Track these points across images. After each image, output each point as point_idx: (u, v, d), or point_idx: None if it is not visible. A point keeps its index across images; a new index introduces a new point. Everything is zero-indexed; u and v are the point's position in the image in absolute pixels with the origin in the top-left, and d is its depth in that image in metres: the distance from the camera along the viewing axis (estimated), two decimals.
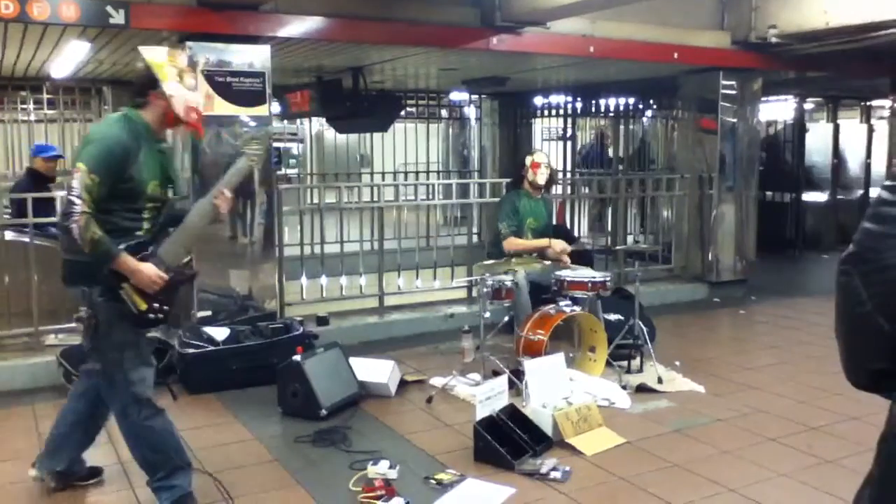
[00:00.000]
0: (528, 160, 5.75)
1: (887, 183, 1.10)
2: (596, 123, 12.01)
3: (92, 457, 3.63)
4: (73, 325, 5.36)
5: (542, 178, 5.67)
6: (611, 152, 11.45)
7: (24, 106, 8.97)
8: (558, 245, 5.61)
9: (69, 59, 6.94)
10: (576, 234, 8.75)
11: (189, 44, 5.40)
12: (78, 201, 2.88)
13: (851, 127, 12.41)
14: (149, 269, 3.06)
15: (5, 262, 5.57)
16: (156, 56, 3.15)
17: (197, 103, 3.20)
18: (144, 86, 3.14)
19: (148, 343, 3.35)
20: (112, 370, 3.16)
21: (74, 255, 3.05)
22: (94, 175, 2.93)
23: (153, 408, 3.21)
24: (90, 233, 2.90)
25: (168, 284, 3.12)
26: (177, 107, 3.12)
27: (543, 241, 5.63)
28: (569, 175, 11.02)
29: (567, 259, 5.66)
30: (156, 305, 3.13)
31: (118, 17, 5.03)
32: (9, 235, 5.80)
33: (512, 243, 5.55)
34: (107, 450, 3.87)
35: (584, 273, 5.38)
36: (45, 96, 8.87)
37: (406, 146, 11.29)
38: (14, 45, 6.32)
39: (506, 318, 5.47)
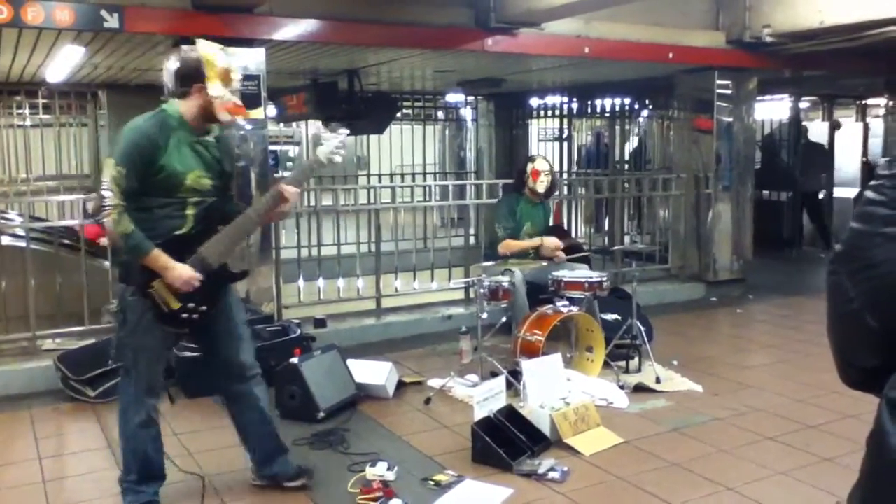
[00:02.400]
0: (529, 167, 5.68)
1: (873, 182, 1.10)
2: (592, 124, 12.02)
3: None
4: (71, 329, 5.40)
5: (541, 187, 5.64)
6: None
7: (20, 111, 8.95)
8: (550, 242, 5.60)
9: (64, 63, 6.93)
10: (573, 234, 8.76)
11: (183, 47, 5.38)
12: (108, 194, 2.94)
13: (847, 125, 12.41)
14: (182, 269, 3.02)
15: (2, 266, 5.56)
16: (209, 52, 3.14)
17: (234, 104, 3.17)
18: (189, 77, 3.12)
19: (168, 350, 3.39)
20: (128, 366, 3.20)
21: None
22: (120, 167, 2.96)
23: (150, 416, 3.24)
24: (122, 226, 2.93)
25: (206, 284, 3.09)
26: (217, 108, 3.11)
27: (535, 241, 5.62)
28: (566, 176, 11.02)
29: (562, 255, 5.64)
30: (191, 305, 3.09)
31: (112, 21, 5.03)
32: (5, 240, 5.79)
33: (507, 246, 5.55)
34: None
35: (581, 273, 5.38)
36: (41, 101, 8.86)
37: (402, 148, 11.29)
38: (9, 50, 6.31)
39: (503, 319, 5.47)
